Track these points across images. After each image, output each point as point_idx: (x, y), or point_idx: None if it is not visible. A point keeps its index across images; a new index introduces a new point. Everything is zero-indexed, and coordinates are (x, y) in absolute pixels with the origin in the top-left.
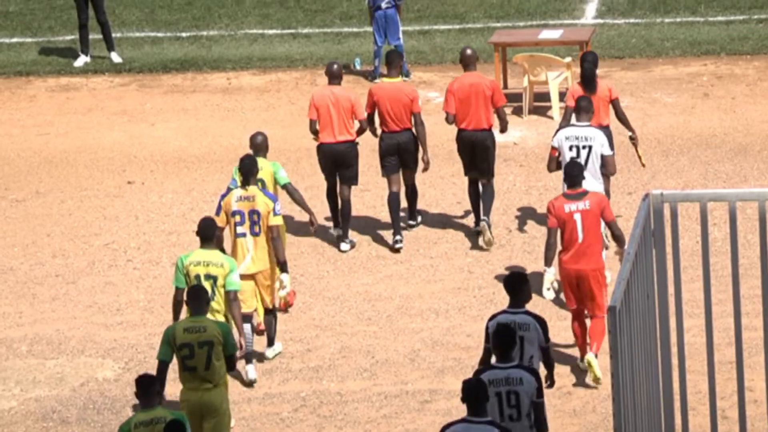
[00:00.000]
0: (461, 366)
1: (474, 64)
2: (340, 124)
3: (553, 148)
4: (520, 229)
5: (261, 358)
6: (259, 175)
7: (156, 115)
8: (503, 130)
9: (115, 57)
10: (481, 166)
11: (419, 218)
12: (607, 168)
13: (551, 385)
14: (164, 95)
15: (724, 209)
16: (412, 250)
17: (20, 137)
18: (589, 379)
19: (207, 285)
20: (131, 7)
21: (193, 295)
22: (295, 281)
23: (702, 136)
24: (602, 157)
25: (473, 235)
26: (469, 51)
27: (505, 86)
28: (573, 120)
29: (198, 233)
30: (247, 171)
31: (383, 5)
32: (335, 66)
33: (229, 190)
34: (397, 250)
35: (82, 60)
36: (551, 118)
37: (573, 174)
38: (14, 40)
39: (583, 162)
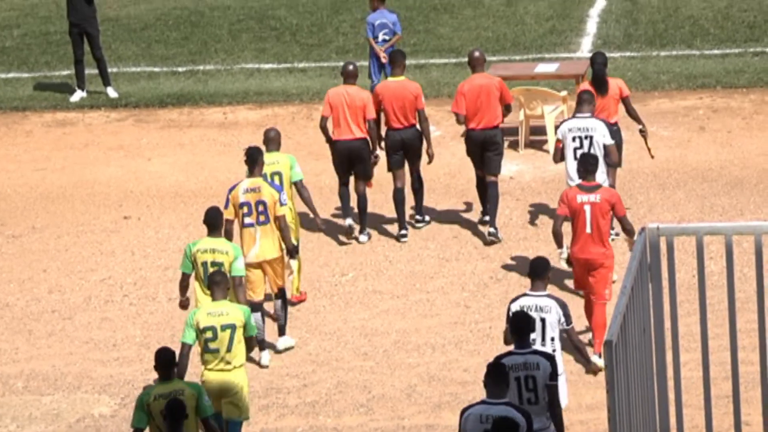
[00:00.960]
0: (458, 401)
1: (482, 65)
2: (354, 121)
3: (557, 140)
4: (517, 262)
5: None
6: (277, 168)
7: (152, 149)
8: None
9: (112, 92)
10: (491, 163)
11: (427, 217)
12: (610, 157)
13: (588, 366)
14: (161, 130)
15: (721, 243)
16: (408, 284)
17: (16, 172)
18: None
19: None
20: (128, 42)
21: (213, 281)
22: (291, 316)
23: (698, 170)
24: (604, 146)
25: (469, 269)
26: (477, 53)
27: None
28: (576, 112)
29: (205, 221)
30: (253, 161)
31: (380, 36)
32: (351, 66)
33: (235, 185)
34: (403, 236)
35: (78, 95)
36: (547, 152)
37: (587, 166)
38: (11, 75)
39: (587, 151)
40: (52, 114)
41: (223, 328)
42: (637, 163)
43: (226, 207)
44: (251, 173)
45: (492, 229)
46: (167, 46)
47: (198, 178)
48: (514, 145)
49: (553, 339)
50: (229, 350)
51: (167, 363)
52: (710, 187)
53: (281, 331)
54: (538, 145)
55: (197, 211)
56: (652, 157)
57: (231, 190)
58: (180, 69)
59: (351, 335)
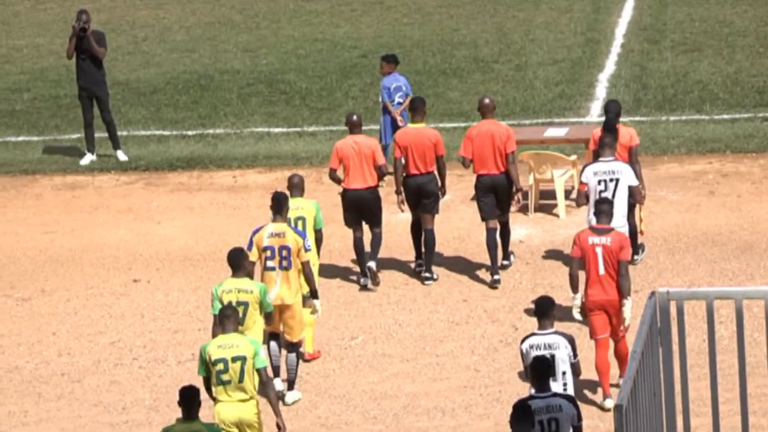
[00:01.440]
0: None
1: (491, 112)
2: (364, 170)
3: (581, 183)
4: (528, 326)
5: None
6: (301, 213)
7: (162, 213)
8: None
9: (121, 155)
10: (502, 205)
11: (436, 275)
12: (635, 197)
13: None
14: (170, 193)
15: (731, 307)
16: (418, 348)
17: (26, 235)
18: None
19: (239, 311)
20: (137, 105)
21: (224, 315)
22: (301, 380)
23: (708, 234)
24: (630, 188)
25: (479, 333)
26: (487, 100)
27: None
28: (598, 156)
29: (228, 262)
30: (279, 206)
31: (396, 99)
32: (355, 116)
33: (259, 228)
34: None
35: (88, 158)
36: (557, 215)
37: (602, 209)
38: (20, 138)
39: (611, 194)
40: (62, 177)
41: (234, 360)
42: (646, 227)
43: (249, 248)
44: (276, 218)
45: (507, 261)
46: (177, 110)
47: (207, 242)
48: (523, 209)
49: (564, 373)
50: (240, 381)
51: (190, 401)
52: (720, 251)
53: (290, 386)
54: (548, 209)
55: (206, 274)
56: (641, 232)
57: (255, 232)
58: (190, 132)
59: (360, 399)
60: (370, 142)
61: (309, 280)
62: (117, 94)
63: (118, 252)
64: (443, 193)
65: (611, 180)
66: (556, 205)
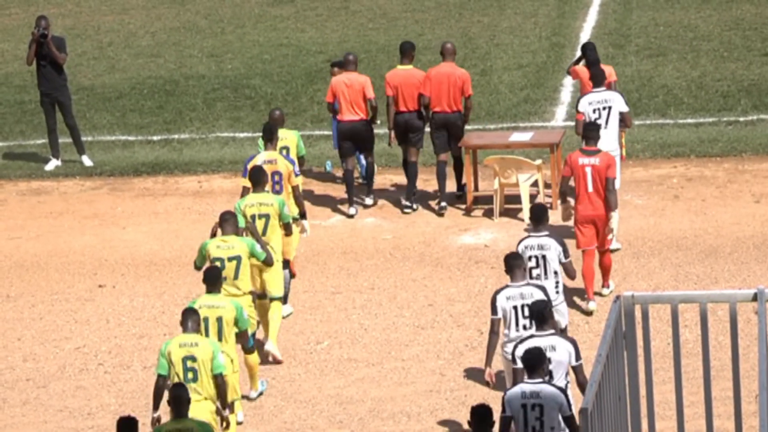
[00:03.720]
0: None
1: (452, 56)
2: (356, 103)
3: (578, 113)
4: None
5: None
6: (285, 143)
7: (127, 218)
8: (466, 120)
9: (86, 160)
10: (453, 141)
11: (415, 205)
12: (626, 122)
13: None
14: (135, 198)
15: (695, 311)
16: (383, 352)
17: None
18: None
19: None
20: (102, 111)
21: (224, 219)
22: (267, 384)
23: (672, 238)
24: (621, 113)
25: (444, 337)
26: (448, 44)
27: (476, 189)
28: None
29: (250, 178)
30: (270, 135)
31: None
32: (351, 55)
33: (252, 156)
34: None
35: (53, 164)
36: (522, 220)
37: (590, 134)
38: None
39: (604, 121)
40: (27, 183)
41: (230, 259)
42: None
43: (244, 176)
44: (267, 146)
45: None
46: (142, 115)
47: (173, 247)
48: (488, 214)
49: (556, 272)
50: (236, 278)
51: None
52: (685, 255)
53: (285, 300)
54: (513, 214)
55: (172, 279)
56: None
57: (249, 160)
58: (155, 138)
59: (326, 403)
60: (361, 79)
61: (299, 202)
62: (82, 99)
63: (84, 257)
64: (465, 122)
65: (604, 108)
66: (521, 210)
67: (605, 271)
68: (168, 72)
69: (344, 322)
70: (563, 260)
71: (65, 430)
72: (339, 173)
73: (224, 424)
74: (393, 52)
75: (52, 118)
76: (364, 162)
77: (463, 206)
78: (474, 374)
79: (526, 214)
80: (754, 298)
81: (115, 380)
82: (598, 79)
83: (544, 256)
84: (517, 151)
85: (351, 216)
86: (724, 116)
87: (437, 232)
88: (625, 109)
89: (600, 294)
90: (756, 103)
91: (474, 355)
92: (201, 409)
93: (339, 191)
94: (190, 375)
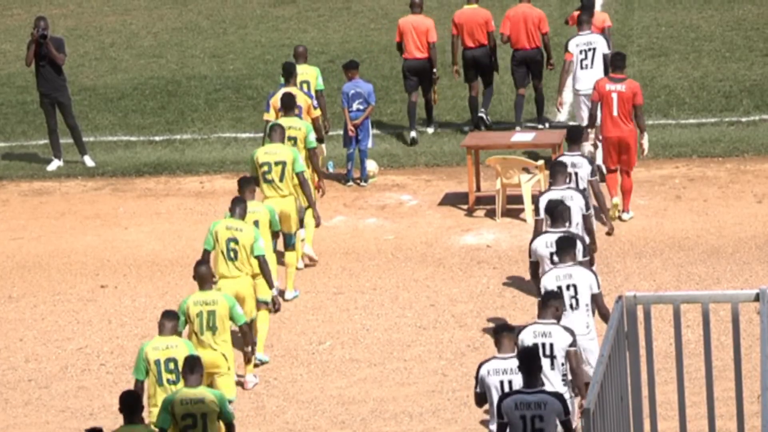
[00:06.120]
0: None
1: None
2: (419, 43)
3: (567, 53)
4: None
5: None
6: (305, 78)
7: (129, 218)
8: (549, 56)
9: (88, 161)
10: (535, 79)
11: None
12: (606, 63)
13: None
14: (137, 199)
15: (698, 311)
16: (385, 353)
17: None
18: (612, 213)
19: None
20: (104, 111)
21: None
22: (268, 384)
23: (675, 239)
24: (603, 55)
25: (446, 337)
26: None
27: (478, 189)
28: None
29: (282, 103)
30: (289, 73)
31: (354, 106)
32: None
33: (273, 92)
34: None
35: (55, 164)
36: (524, 220)
37: (616, 62)
38: None
39: (590, 61)
40: (29, 183)
41: (276, 163)
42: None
43: (266, 110)
44: (287, 84)
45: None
46: (144, 116)
47: (175, 247)
48: (491, 214)
49: (584, 190)
50: (281, 180)
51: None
52: (687, 255)
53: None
54: (515, 214)
55: (174, 279)
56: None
57: (271, 96)
58: (157, 138)
59: (328, 404)
60: (427, 21)
61: (318, 129)
62: (84, 99)
63: (86, 258)
64: (497, 66)
65: (589, 50)
66: (523, 210)
67: (626, 192)
68: (170, 72)
69: (346, 322)
70: (590, 177)
71: (67, 430)
72: (343, 171)
73: (275, 305)
74: (394, 52)
75: (52, 119)
76: (366, 165)
77: (466, 206)
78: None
79: (528, 215)
80: (756, 298)
81: (117, 381)
82: (583, 23)
83: (576, 174)
84: (519, 151)
85: (412, 140)
86: (726, 116)
87: (439, 233)
88: (606, 51)
89: (621, 218)
90: (758, 103)
91: (476, 356)
92: (242, 284)
93: (340, 191)
94: (231, 254)
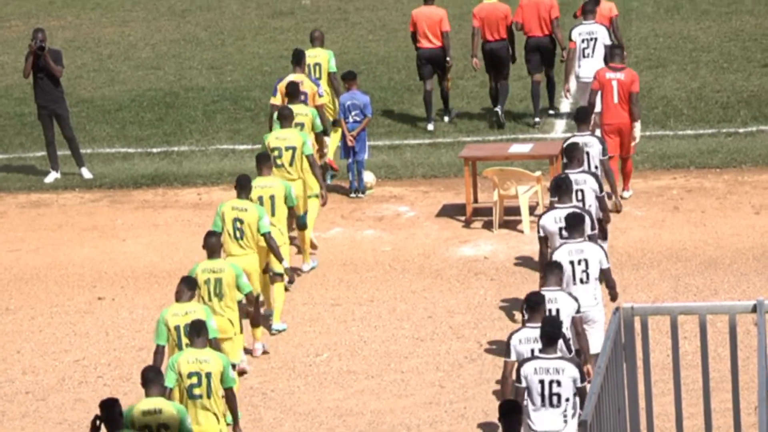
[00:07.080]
0: None
1: None
2: (433, 33)
3: (571, 41)
4: (491, 342)
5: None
6: (318, 60)
7: (127, 230)
8: (560, 42)
9: (86, 173)
10: (547, 65)
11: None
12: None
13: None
14: (135, 211)
15: (695, 323)
16: (383, 364)
17: None
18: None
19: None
20: (102, 123)
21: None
22: (265, 397)
23: (672, 250)
24: (605, 46)
25: (443, 349)
26: None
27: (475, 200)
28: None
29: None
30: (297, 60)
31: (351, 118)
32: None
33: (282, 78)
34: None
35: (52, 176)
36: (521, 232)
37: (615, 52)
38: None
39: (591, 50)
40: (27, 195)
41: (287, 148)
42: (611, 242)
43: (274, 95)
44: (296, 69)
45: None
46: (142, 128)
47: (172, 259)
48: (488, 225)
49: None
50: (291, 164)
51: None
52: (684, 266)
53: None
54: (512, 225)
55: (171, 291)
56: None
57: (279, 81)
58: (154, 150)
59: (325, 416)
60: (440, 12)
61: (323, 118)
62: (82, 111)
63: (83, 270)
64: (514, 58)
65: (591, 39)
66: (520, 221)
67: (626, 176)
68: (168, 84)
69: (344, 334)
70: (601, 157)
71: None
72: (343, 182)
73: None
74: (392, 63)
75: (50, 131)
76: (364, 177)
77: (463, 218)
78: (473, 386)
79: (525, 226)
80: (754, 309)
81: (114, 393)
82: (588, 12)
83: (587, 153)
84: (517, 162)
85: (429, 132)
86: (724, 127)
87: (437, 244)
88: (608, 42)
89: (622, 197)
90: (755, 114)
91: (473, 368)
92: (248, 261)
93: (339, 202)
94: (238, 233)
